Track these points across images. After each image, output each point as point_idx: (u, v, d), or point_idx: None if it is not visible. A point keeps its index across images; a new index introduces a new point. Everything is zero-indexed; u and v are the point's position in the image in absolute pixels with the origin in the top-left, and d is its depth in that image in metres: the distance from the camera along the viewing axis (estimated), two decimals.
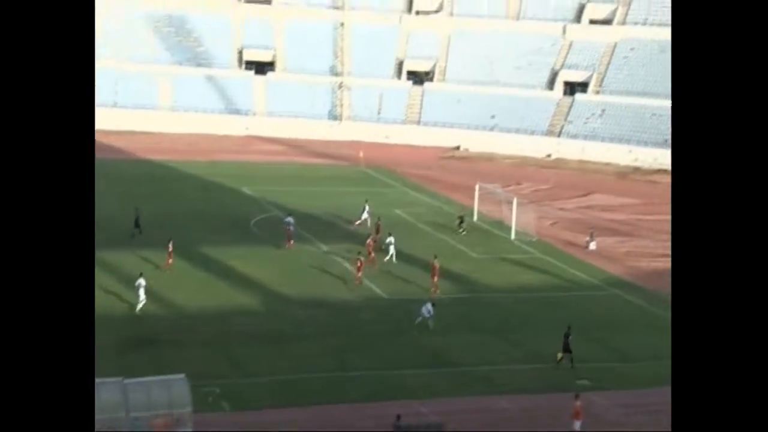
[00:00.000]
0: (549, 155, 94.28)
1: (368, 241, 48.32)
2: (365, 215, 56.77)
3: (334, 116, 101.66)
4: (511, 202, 57.72)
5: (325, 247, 51.19)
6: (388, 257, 48.54)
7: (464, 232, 56.33)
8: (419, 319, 37.89)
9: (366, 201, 58.47)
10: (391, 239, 49.19)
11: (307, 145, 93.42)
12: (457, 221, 57.38)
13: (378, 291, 43.52)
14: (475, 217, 60.55)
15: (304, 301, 41.45)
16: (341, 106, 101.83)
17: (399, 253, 49.00)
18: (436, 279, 43.20)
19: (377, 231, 52.32)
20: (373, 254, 46.94)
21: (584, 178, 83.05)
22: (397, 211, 61.10)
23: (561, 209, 67.27)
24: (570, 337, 34.72)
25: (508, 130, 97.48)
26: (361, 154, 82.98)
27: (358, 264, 44.60)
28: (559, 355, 34.61)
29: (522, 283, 46.29)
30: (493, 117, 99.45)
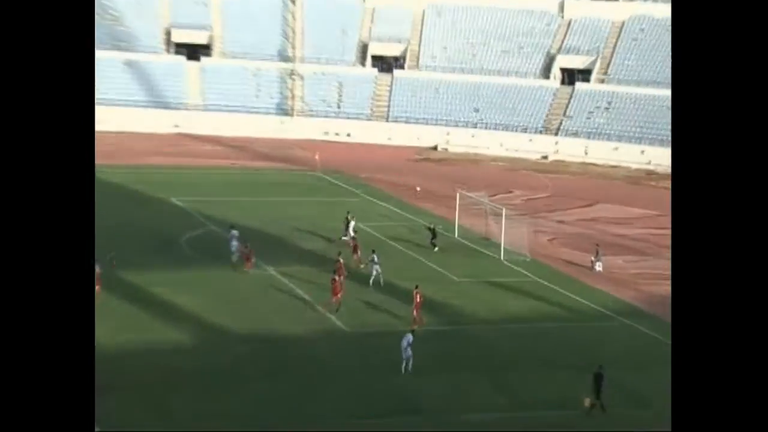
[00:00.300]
0: (545, 157, 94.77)
1: (338, 261, 48.15)
2: (351, 230, 56.49)
3: (284, 110, 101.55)
4: (499, 214, 57.84)
5: (272, 270, 50.97)
6: (372, 279, 48.63)
7: (436, 248, 56.44)
8: (406, 360, 37.60)
9: (348, 213, 58.47)
10: (374, 257, 49.29)
11: (250, 145, 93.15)
12: (429, 234, 57.38)
13: (337, 323, 43.37)
14: (456, 233, 60.60)
15: (246, 336, 41.17)
16: (293, 98, 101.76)
17: (365, 276, 48.94)
18: (416, 313, 43.14)
19: (355, 249, 52.52)
20: (342, 277, 46.62)
21: (588, 184, 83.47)
22: (361, 225, 60.96)
23: (560, 222, 67.53)
24: (604, 379, 34.50)
25: (496, 127, 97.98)
26: (317, 156, 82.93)
27: (334, 283, 44.69)
28: (588, 400, 34.36)
29: (513, 313, 46.33)
30: (476, 111, 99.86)
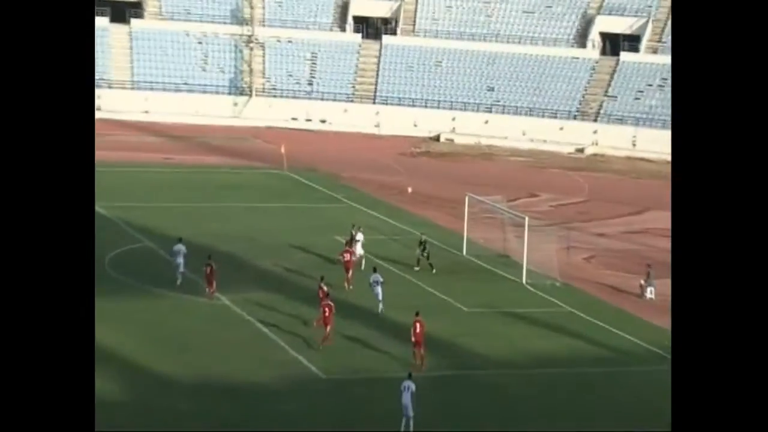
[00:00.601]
0: (580, 149, 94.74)
1: (321, 288, 48.06)
2: (359, 247, 56.85)
3: (239, 89, 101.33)
4: (521, 225, 57.77)
5: (226, 299, 50.93)
6: (380, 305, 49.27)
7: (432, 270, 56.59)
8: (407, 420, 37.35)
9: (354, 226, 58.83)
10: (377, 277, 49.81)
11: (195, 134, 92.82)
12: (419, 248, 57.49)
13: (311, 367, 43.34)
14: (465, 249, 60.58)
15: (191, 386, 41.07)
16: (250, 73, 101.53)
17: (352, 305, 49.05)
18: (421, 349, 43.11)
19: (348, 268, 52.98)
20: (328, 305, 46.55)
21: (636, 185, 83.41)
22: (341, 240, 60.87)
23: (600, 235, 67.67)
24: None
25: (516, 111, 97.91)
26: (283, 150, 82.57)
27: (325, 313, 44.84)
28: None
29: (540, 354, 46.27)
30: (491, 90, 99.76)
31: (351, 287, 52.12)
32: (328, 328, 44.88)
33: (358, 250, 56.66)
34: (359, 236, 57.61)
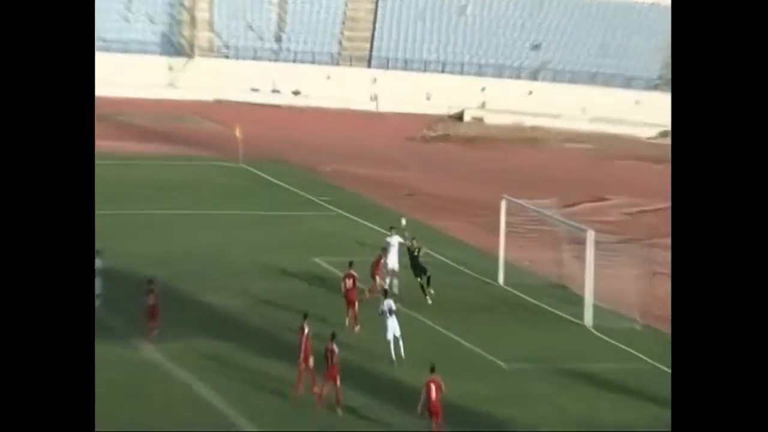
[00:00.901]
0: (665, 132, 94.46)
1: (303, 328, 47.88)
2: (392, 257, 57.83)
3: (176, 48, 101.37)
4: (582, 242, 57.59)
5: (154, 348, 50.88)
6: (392, 347, 49.83)
7: (431, 290, 57.24)
8: None
9: (392, 229, 60.15)
10: (389, 304, 50.32)
11: (115, 111, 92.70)
12: (413, 251, 58.13)
13: None
14: (502, 276, 60.46)
15: None
16: (192, 24, 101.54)
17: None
18: (438, 420, 42.86)
19: (351, 299, 53.58)
20: (308, 361, 46.48)
21: None
22: (319, 262, 60.57)
23: None
24: None
25: (571, 78, 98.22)
26: (239, 133, 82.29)
27: (329, 361, 45.11)
28: None
29: (608, 428, 45.90)
30: (536, 48, 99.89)
31: (357, 327, 52.74)
32: (338, 382, 44.93)
33: (391, 262, 57.48)
34: (394, 239, 58.58)
